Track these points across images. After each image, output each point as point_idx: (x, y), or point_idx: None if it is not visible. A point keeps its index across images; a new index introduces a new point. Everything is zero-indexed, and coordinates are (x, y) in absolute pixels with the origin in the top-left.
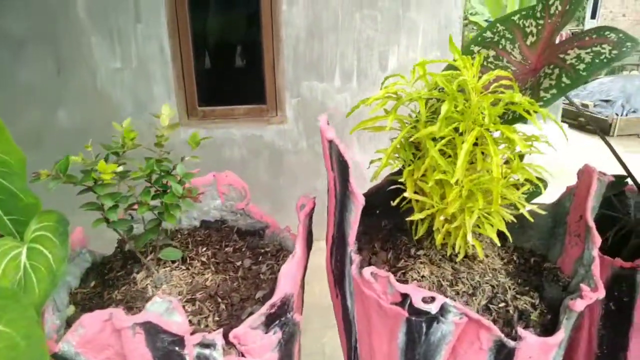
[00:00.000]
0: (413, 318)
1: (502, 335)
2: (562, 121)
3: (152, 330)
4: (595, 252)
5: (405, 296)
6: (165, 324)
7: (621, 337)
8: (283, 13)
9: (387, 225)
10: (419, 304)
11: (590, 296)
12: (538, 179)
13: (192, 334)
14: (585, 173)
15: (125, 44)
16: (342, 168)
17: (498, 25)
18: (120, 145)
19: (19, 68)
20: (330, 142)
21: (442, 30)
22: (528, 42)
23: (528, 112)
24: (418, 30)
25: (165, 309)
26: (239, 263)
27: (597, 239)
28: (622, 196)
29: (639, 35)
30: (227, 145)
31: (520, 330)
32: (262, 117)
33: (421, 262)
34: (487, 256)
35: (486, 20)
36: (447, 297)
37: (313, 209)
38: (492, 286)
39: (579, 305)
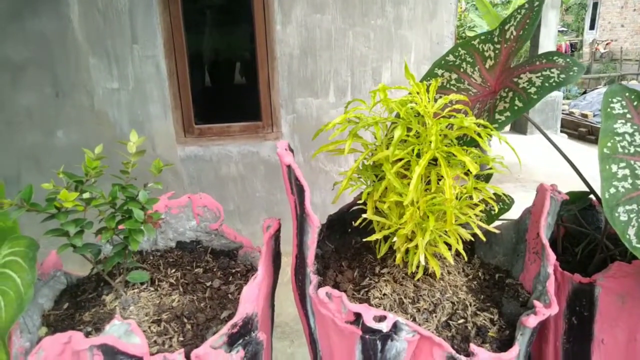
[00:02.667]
0: (367, 336)
1: (454, 352)
2: (562, 131)
3: (109, 352)
4: (550, 269)
5: (358, 315)
6: (123, 346)
7: (583, 351)
8: (277, 32)
9: (357, 243)
10: (370, 322)
11: (543, 312)
12: (500, 195)
13: (154, 354)
14: (539, 191)
15: (122, 65)
16: (299, 192)
17: (460, 49)
18: (85, 174)
19: (18, 91)
20: (289, 167)
21: (434, 46)
22: (487, 66)
23: (480, 134)
24: (410, 46)
25: (124, 331)
26: (208, 283)
27: (552, 256)
28: (594, 210)
29: (639, 44)
30: (223, 161)
31: (472, 347)
32: (257, 133)
33: (385, 280)
34: (449, 273)
35: None
36: (407, 314)
37: (278, 230)
38: (453, 303)
39: (531, 321)
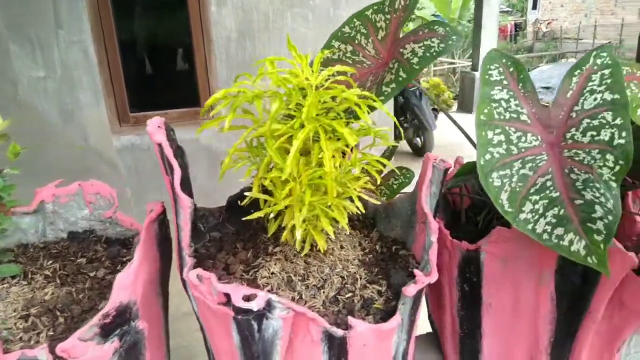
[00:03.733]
0: (239, 317)
1: (329, 326)
2: None
3: None
4: (434, 238)
5: (228, 295)
6: None
7: (475, 316)
8: (212, 14)
9: (258, 224)
10: (239, 302)
11: (422, 281)
12: (401, 168)
13: (9, 352)
14: (424, 161)
15: (47, 52)
16: (170, 172)
17: (355, 20)
18: None
19: None
20: (160, 145)
21: None
22: (379, 37)
23: (359, 105)
24: None
25: None
26: (92, 274)
27: (434, 225)
28: None
29: (577, 23)
30: None
31: (350, 319)
32: (197, 120)
33: (276, 259)
34: (342, 248)
35: (433, 15)
36: (295, 291)
37: (161, 213)
38: (342, 277)
39: (410, 290)
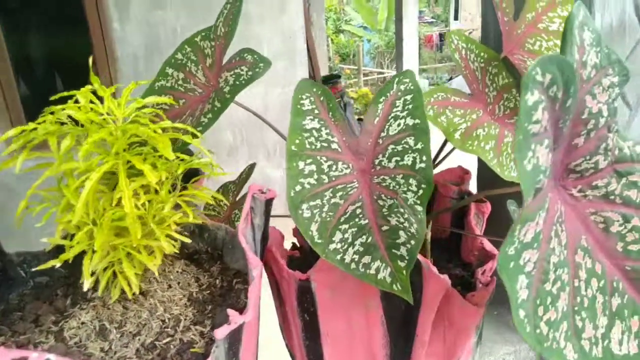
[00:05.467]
0: None
1: None
2: None
3: None
4: (254, 272)
5: None
6: None
7: (317, 345)
8: (115, 31)
9: None
10: None
11: (235, 320)
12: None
13: None
14: (248, 191)
15: None
16: None
17: (186, 46)
18: None
19: None
20: None
21: (287, 40)
22: (208, 64)
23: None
24: (262, 42)
25: None
26: None
27: (253, 260)
28: None
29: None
30: None
31: None
32: None
33: (93, 305)
34: (170, 287)
35: (362, 27)
36: (107, 341)
37: None
38: (162, 321)
39: (221, 332)
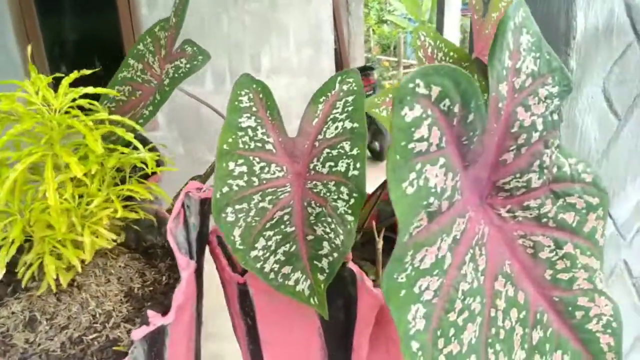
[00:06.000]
0: None
1: None
2: None
3: None
4: (183, 274)
5: None
6: None
7: (258, 351)
8: (143, 17)
9: None
10: None
11: (154, 322)
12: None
13: None
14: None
15: None
16: None
17: (147, 37)
18: None
19: None
20: None
21: (313, 29)
22: (162, 55)
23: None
24: (288, 30)
25: None
26: None
27: (182, 260)
28: None
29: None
30: None
31: None
32: None
33: (29, 295)
34: (108, 282)
35: (406, 18)
36: (35, 332)
37: None
38: (93, 316)
39: (138, 333)
